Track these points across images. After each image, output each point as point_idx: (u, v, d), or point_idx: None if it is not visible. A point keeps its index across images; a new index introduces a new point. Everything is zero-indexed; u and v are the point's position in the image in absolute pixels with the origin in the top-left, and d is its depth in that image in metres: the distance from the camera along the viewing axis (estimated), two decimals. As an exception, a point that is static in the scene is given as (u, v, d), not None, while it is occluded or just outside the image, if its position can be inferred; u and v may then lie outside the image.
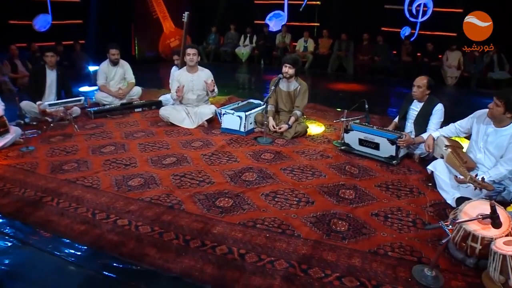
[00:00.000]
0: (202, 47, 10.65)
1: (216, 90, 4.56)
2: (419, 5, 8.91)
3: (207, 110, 4.52)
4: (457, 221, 1.99)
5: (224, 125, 4.32)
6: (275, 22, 10.72)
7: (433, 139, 3.28)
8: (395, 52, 9.41)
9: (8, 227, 2.47)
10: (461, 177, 2.74)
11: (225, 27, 10.89)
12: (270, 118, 4.16)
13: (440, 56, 8.66)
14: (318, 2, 10.14)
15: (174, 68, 5.69)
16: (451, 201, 2.88)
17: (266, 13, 10.70)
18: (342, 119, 4.00)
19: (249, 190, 2.95)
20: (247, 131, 4.25)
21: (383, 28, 9.56)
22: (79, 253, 2.22)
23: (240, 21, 10.76)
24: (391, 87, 8.44)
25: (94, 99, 5.56)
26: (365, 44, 9.56)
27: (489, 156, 2.93)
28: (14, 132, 3.87)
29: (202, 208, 2.65)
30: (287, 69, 4.14)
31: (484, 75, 8.11)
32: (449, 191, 2.95)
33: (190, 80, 4.52)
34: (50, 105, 4.27)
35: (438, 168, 3.09)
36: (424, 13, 8.92)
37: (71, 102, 4.44)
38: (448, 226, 1.95)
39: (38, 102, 4.51)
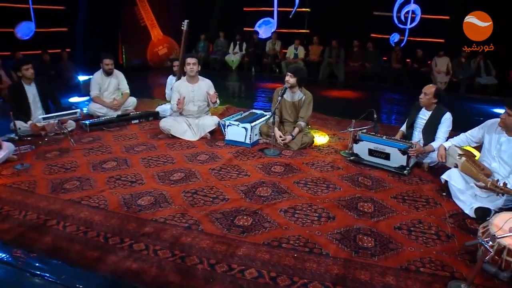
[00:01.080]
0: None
1: (218, 101, 4.45)
2: (407, 12, 9.08)
3: (210, 122, 4.39)
4: (499, 237, 1.94)
5: (228, 137, 4.20)
6: (264, 29, 10.70)
7: (445, 149, 3.26)
8: (385, 58, 9.52)
9: (11, 256, 2.27)
10: (481, 184, 2.72)
11: (214, 34, 10.79)
12: (276, 129, 4.07)
13: (429, 62, 8.81)
14: (307, 9, 10.19)
15: (171, 77, 5.55)
16: (468, 211, 2.86)
17: (255, 20, 10.68)
18: (350, 129, 3.95)
19: (267, 206, 2.85)
20: (253, 143, 4.15)
21: (372, 35, 9.67)
22: (96, 283, 2.05)
23: (229, 28, 10.69)
24: (382, 93, 8.52)
25: (87, 111, 5.34)
26: (355, 50, 9.64)
27: (503, 165, 2.94)
28: (6, 148, 3.64)
29: (221, 228, 2.53)
30: (288, 78, 4.09)
31: (472, 81, 8.29)
32: (465, 201, 2.93)
33: (191, 91, 4.39)
34: (44, 118, 4.06)
35: (453, 178, 3.07)
36: (413, 19, 9.09)
37: (66, 115, 4.23)
38: (488, 242, 1.90)
39: (29, 122, 4.30)
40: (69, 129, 4.42)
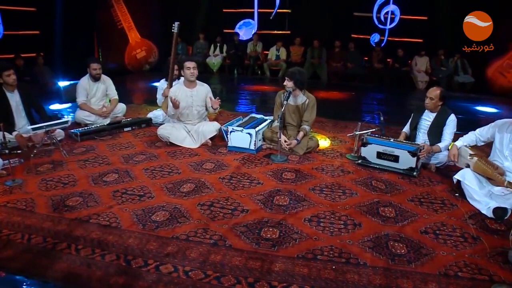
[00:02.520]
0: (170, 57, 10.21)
1: (219, 107, 4.31)
2: (387, 13, 9.28)
3: (211, 128, 4.24)
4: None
5: (232, 143, 4.07)
6: (245, 31, 10.61)
7: (457, 148, 3.29)
8: (366, 58, 9.68)
9: (24, 288, 2.05)
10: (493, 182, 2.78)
11: (193, 36, 10.55)
12: (281, 134, 3.98)
13: (409, 61, 9.05)
14: (288, 10, 10.19)
15: (162, 81, 5.34)
16: (486, 211, 2.90)
17: (235, 21, 10.56)
18: (356, 132, 3.93)
19: (289, 216, 2.76)
20: (257, 149, 4.04)
21: (353, 35, 9.81)
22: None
23: (209, 30, 10.50)
24: (367, 93, 8.65)
25: (73, 119, 5.02)
26: (337, 51, 9.75)
27: (516, 165, 2.99)
28: (-5, 164, 3.33)
29: (249, 243, 2.41)
30: (286, 82, 4.05)
31: (450, 79, 8.59)
32: (481, 201, 2.97)
33: (190, 96, 4.22)
34: (33, 129, 3.75)
35: (467, 178, 3.10)
36: (392, 20, 9.30)
37: (57, 124, 3.94)
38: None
39: (14, 133, 3.97)
40: (58, 138, 4.12)
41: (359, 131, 3.93)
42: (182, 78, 5.32)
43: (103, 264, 2.21)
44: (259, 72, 10.38)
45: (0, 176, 3.36)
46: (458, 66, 8.55)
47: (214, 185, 3.24)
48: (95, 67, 4.91)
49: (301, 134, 4.10)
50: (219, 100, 4.23)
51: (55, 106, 6.02)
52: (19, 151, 3.81)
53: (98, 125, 4.75)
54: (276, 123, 4.20)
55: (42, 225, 2.61)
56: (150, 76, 9.81)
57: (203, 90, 4.29)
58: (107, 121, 5.02)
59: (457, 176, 3.18)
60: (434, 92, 3.69)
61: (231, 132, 4.03)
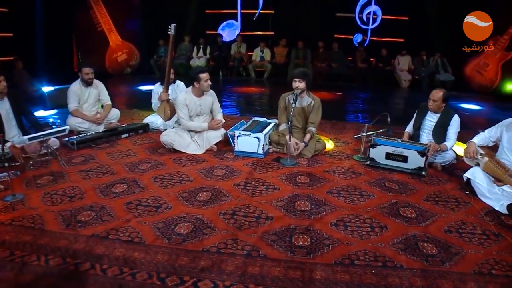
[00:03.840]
0: (153, 60, 10.01)
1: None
2: (369, 13, 9.47)
3: (216, 133, 4.15)
4: None
5: (239, 148, 4.00)
6: (228, 32, 10.53)
7: (475, 145, 3.34)
8: (350, 58, 9.84)
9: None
10: (501, 182, 2.88)
11: (176, 38, 10.31)
12: (292, 138, 3.94)
13: (392, 61, 9.28)
14: (271, 11, 10.18)
15: (157, 85, 5.19)
16: (499, 207, 2.99)
17: (218, 23, 10.45)
18: (363, 134, 3.96)
19: (315, 221, 2.73)
20: (265, 153, 3.99)
21: (336, 35, 9.94)
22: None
23: (191, 32, 10.32)
24: (351, 92, 8.79)
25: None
26: (321, 51, 9.85)
27: (524, 163, 3.11)
28: (-9, 177, 3.10)
29: (283, 251, 2.36)
30: (297, 84, 3.99)
31: (432, 78, 8.88)
32: (493, 198, 3.06)
33: (198, 105, 4.12)
34: (30, 139, 3.53)
35: (478, 176, 3.19)
36: (374, 20, 9.50)
37: (55, 133, 3.72)
38: None
39: (8, 144, 3.72)
40: (54, 148, 3.90)
41: (366, 132, 3.96)
42: (178, 83, 5.22)
43: (136, 284, 2.09)
44: (244, 73, 10.32)
45: (-3, 191, 3.14)
46: (439, 65, 8.86)
47: (231, 193, 3.16)
48: (87, 71, 4.70)
49: (308, 136, 4.09)
50: (220, 122, 4.19)
51: (39, 113, 5.70)
52: (17, 163, 3.55)
53: (93, 133, 4.54)
54: (283, 126, 4.17)
55: (57, 244, 2.44)
56: (132, 79, 9.54)
57: (209, 98, 4.20)
58: (101, 127, 4.81)
59: (467, 175, 3.27)
60: (437, 94, 3.77)
61: (238, 136, 3.96)
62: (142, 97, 7.66)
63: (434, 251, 2.41)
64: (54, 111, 5.90)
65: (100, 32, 9.16)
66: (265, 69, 10.00)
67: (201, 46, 10.24)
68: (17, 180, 3.36)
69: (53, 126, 4.45)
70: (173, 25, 4.84)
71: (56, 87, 6.30)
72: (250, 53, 10.31)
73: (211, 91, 4.22)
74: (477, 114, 6.87)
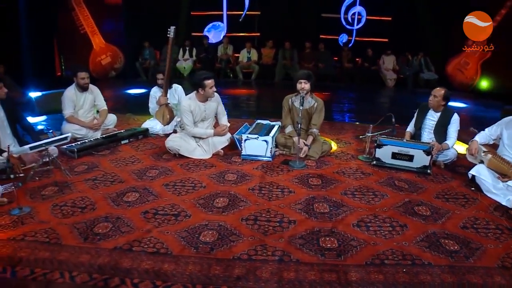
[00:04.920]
0: (138, 63, 9.81)
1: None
2: (354, 14, 9.64)
3: (222, 138, 4.14)
4: None
5: (246, 152, 3.99)
6: (214, 34, 10.45)
7: (478, 143, 3.48)
8: (336, 58, 9.99)
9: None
10: (506, 178, 3.08)
11: (161, 40, 10.15)
12: (301, 140, 3.96)
13: (378, 60, 9.49)
14: (257, 12, 10.19)
15: (154, 89, 5.10)
16: (505, 202, 3.13)
17: (204, 24, 10.36)
18: (368, 134, 4.04)
19: (337, 223, 2.78)
20: (272, 156, 4.00)
21: (321, 36, 10.07)
22: None
23: (176, 34, 10.15)
24: (339, 92, 8.92)
25: (59, 133, 4.58)
26: (307, 52, 9.95)
27: (525, 158, 3.26)
28: (-6, 190, 2.96)
29: (314, 255, 2.39)
30: (303, 85, 4.02)
31: (417, 76, 9.16)
32: (499, 194, 3.20)
33: (203, 110, 4.08)
34: (31, 148, 3.38)
35: (482, 173, 3.33)
36: (359, 21, 9.68)
37: (56, 141, 3.58)
38: None
39: (5, 154, 3.55)
40: (53, 156, 3.75)
41: (371, 133, 4.04)
42: (176, 86, 5.14)
43: (172, 296, 2.04)
44: (231, 75, 10.28)
45: (1, 205, 2.99)
46: (422, 64, 9.14)
47: (248, 198, 3.15)
48: (83, 76, 4.55)
49: (310, 138, 4.13)
50: (226, 128, 4.19)
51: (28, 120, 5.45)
52: (21, 174, 3.39)
53: (92, 139, 4.40)
54: (289, 129, 4.19)
55: (79, 259, 2.34)
56: (117, 83, 9.29)
57: (214, 103, 4.16)
58: (98, 134, 4.68)
59: (472, 172, 3.40)
60: (439, 91, 3.89)
61: (245, 140, 3.94)
62: (133, 101, 7.52)
63: (456, 247, 2.50)
64: (43, 118, 5.68)
65: (83, 35, 8.87)
66: (252, 70, 10.00)
67: (187, 48, 10.12)
68: (19, 192, 3.21)
69: (48, 133, 4.30)
70: (172, 27, 4.78)
71: (44, 92, 6.06)
72: (237, 55, 10.28)
73: (217, 95, 4.18)
74: (462, 111, 7.13)
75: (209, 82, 3.92)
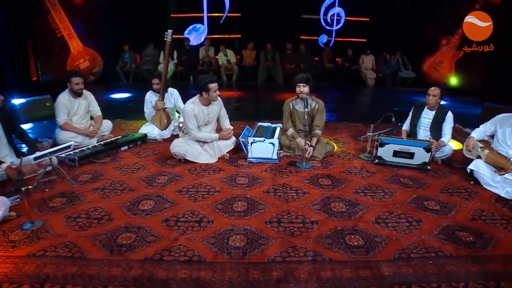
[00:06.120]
0: (118, 66, 9.58)
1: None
2: (333, 15, 9.87)
3: (228, 142, 4.15)
4: None
5: (253, 155, 4.03)
6: (195, 36, 10.36)
7: (475, 140, 3.70)
8: (316, 58, 10.20)
9: None
10: (502, 171, 3.34)
11: (141, 43, 9.97)
12: (303, 140, 4.04)
13: (358, 60, 9.79)
14: (238, 14, 10.20)
15: (149, 94, 5.01)
16: (504, 194, 3.35)
17: (184, 27, 10.25)
18: (369, 134, 4.18)
19: (357, 221, 2.88)
20: (278, 157, 4.06)
21: (302, 37, 10.25)
22: None
23: (156, 37, 9.99)
24: (322, 92, 9.08)
25: (53, 141, 4.41)
26: (289, 53, 10.10)
27: (520, 151, 3.51)
28: (2, 205, 2.82)
29: (344, 253, 2.48)
30: (302, 88, 4.11)
31: (395, 75, 9.53)
32: (498, 186, 3.42)
33: (207, 114, 4.06)
34: (35, 158, 3.26)
35: (481, 167, 3.55)
36: (338, 21, 9.93)
37: (60, 150, 3.47)
38: None
39: (4, 165, 3.42)
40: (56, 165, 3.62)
41: (372, 132, 4.18)
42: (171, 90, 5.08)
43: (219, 303, 2.05)
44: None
45: (9, 219, 2.86)
46: (400, 63, 9.52)
47: (265, 200, 3.19)
48: (77, 81, 4.42)
49: (314, 139, 4.22)
50: (231, 131, 4.21)
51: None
52: (30, 187, 3.23)
53: (90, 146, 4.27)
54: (290, 131, 4.27)
55: (111, 273, 2.29)
56: (98, 87, 8.98)
57: (217, 107, 4.15)
58: (94, 141, 4.55)
59: (471, 167, 3.61)
60: (436, 90, 4.10)
61: (252, 143, 3.97)
62: (119, 106, 7.34)
63: (471, 238, 2.66)
64: (29, 125, 5.44)
65: (60, 38, 8.54)
66: (232, 72, 10.03)
67: (168, 51, 9.95)
68: (22, 204, 3.06)
69: (43, 141, 4.14)
70: (169, 31, 4.73)
71: (28, 98, 5.80)
72: (218, 57, 10.27)
73: (219, 98, 4.18)
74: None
75: (213, 86, 3.92)
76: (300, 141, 4.10)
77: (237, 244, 2.57)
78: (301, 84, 4.11)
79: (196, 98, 4.07)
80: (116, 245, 2.57)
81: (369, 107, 8.10)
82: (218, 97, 4.15)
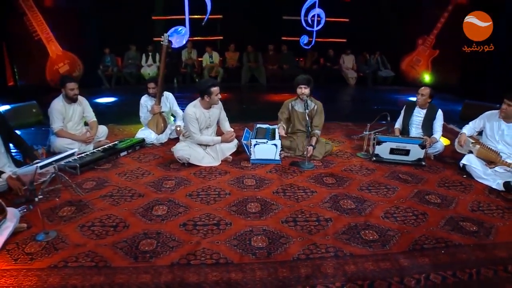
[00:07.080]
0: (100, 70, 9.37)
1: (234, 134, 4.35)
2: (313, 16, 10.08)
3: (230, 145, 4.20)
4: None
5: (256, 156, 4.10)
6: (176, 38, 10.26)
7: (466, 136, 3.94)
8: (299, 59, 10.39)
9: None
10: (492, 165, 3.59)
11: (123, 46, 9.78)
12: (304, 140, 4.16)
13: (339, 60, 10.05)
14: (220, 16, 10.22)
15: (144, 98, 4.98)
16: (495, 186, 3.59)
17: (165, 29, 10.12)
18: (365, 133, 4.36)
19: (368, 217, 3.03)
20: (280, 158, 4.16)
21: (283, 38, 10.41)
22: None
23: (138, 39, 9.87)
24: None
25: (48, 148, 4.31)
26: (271, 54, 10.24)
27: (507, 146, 3.78)
28: (13, 217, 2.76)
29: (362, 247, 2.61)
30: (303, 90, 4.23)
31: (375, 74, 9.86)
32: (489, 179, 3.67)
33: (208, 117, 4.09)
34: (41, 167, 3.19)
35: (473, 161, 3.79)
36: (319, 22, 10.15)
37: (65, 157, 3.41)
38: None
39: (4, 175, 3.33)
40: (52, 173, 3.53)
41: (368, 131, 4.36)
42: (167, 94, 5.06)
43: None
44: (198, 79, 10.20)
45: (20, 231, 2.80)
46: (379, 62, 9.86)
47: (277, 201, 3.27)
48: (72, 86, 4.33)
49: (314, 139, 4.35)
50: (233, 134, 4.26)
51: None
52: (40, 197, 3.14)
53: (89, 153, 4.20)
54: (280, 124, 4.39)
55: (141, 280, 2.29)
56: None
57: (217, 110, 4.20)
58: (90, 147, 4.48)
59: (463, 161, 3.85)
60: (425, 90, 4.32)
61: (255, 145, 4.05)
62: (107, 111, 7.17)
63: (474, 227, 2.86)
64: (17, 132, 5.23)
65: (38, 42, 8.24)
66: (217, 74, 10.03)
67: (150, 54, 9.87)
68: (30, 215, 3.01)
69: (38, 149, 4.03)
70: (166, 34, 4.71)
71: (13, 105, 5.60)
72: (201, 59, 10.25)
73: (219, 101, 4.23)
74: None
75: (215, 89, 3.96)
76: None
77: (260, 244, 2.64)
78: (302, 86, 4.22)
79: (197, 102, 4.10)
80: (139, 252, 2.57)
81: (353, 106, 8.35)
82: (219, 100, 4.20)
